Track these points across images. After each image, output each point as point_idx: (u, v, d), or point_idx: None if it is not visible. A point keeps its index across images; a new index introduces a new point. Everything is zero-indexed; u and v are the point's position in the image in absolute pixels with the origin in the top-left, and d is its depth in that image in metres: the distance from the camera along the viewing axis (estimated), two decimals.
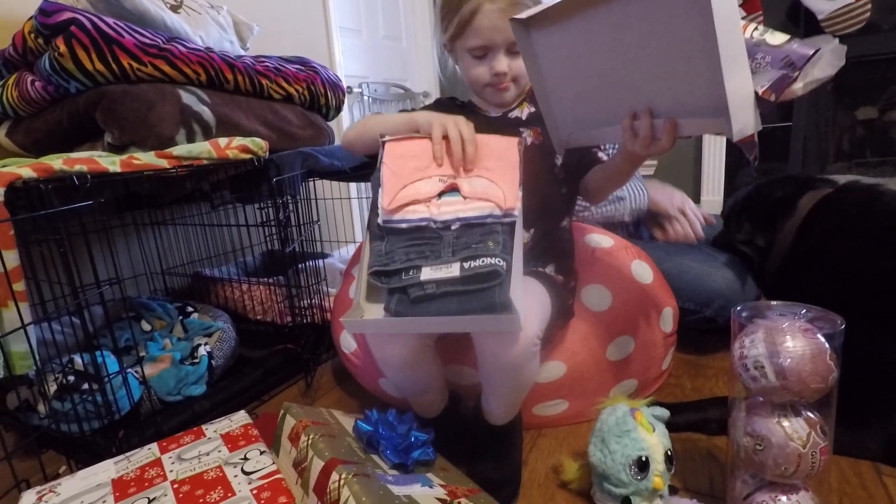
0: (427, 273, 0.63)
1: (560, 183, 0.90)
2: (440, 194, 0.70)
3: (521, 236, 0.67)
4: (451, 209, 0.68)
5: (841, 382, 0.60)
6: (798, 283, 0.95)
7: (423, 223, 0.68)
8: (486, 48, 0.80)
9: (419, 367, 0.73)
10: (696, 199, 2.52)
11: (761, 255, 1.03)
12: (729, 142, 2.31)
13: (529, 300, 0.70)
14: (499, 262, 0.62)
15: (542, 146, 0.86)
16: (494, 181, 0.70)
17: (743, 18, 0.68)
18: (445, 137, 0.72)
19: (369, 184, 2.14)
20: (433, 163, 0.72)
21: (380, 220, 0.69)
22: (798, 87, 0.64)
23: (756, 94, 0.60)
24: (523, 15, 0.68)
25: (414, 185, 0.71)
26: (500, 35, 0.78)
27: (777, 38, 0.64)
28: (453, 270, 0.63)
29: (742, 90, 0.58)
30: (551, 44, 0.70)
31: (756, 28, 0.65)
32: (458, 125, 0.72)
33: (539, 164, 0.84)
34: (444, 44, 0.87)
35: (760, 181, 1.08)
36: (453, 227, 0.68)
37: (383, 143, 0.74)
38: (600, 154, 0.90)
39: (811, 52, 0.62)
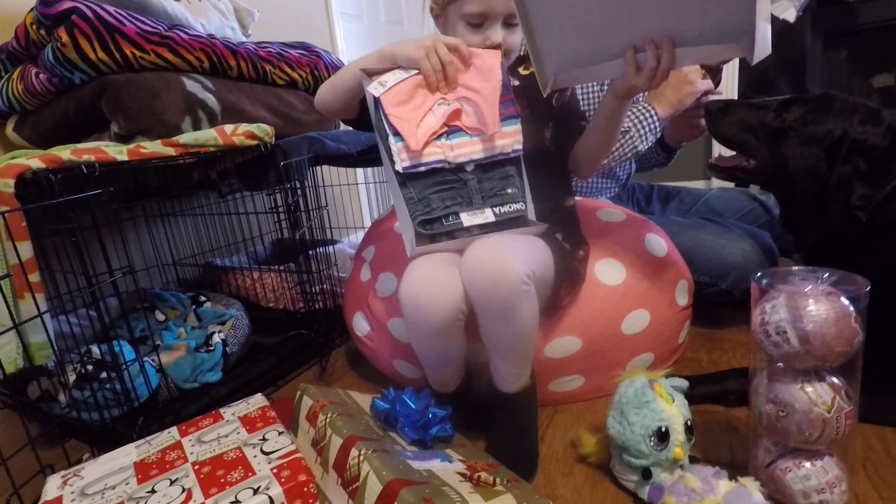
0: (467, 219, 0.74)
1: (552, 157, 0.88)
2: (448, 134, 0.75)
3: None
4: (463, 151, 0.75)
5: (866, 349, 0.59)
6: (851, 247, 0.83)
7: (440, 164, 0.74)
8: (483, 16, 0.78)
9: (449, 336, 0.72)
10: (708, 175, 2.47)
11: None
12: None
13: (519, 244, 0.70)
14: (521, 206, 0.76)
15: (529, 119, 0.84)
16: (481, 105, 0.73)
17: None
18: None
19: (377, 169, 2.13)
20: (427, 94, 0.75)
21: (399, 168, 0.73)
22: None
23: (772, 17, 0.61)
24: None
25: (423, 121, 0.74)
26: (500, 3, 0.76)
27: None
28: (488, 216, 0.75)
29: (765, 13, 0.59)
30: None
31: None
32: (437, 50, 0.73)
33: (528, 137, 0.83)
34: (434, 7, 0.85)
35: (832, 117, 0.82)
36: (468, 169, 0.76)
37: (377, 98, 0.74)
38: (584, 124, 0.88)
39: None
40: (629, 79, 0.70)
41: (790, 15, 0.74)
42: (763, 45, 0.61)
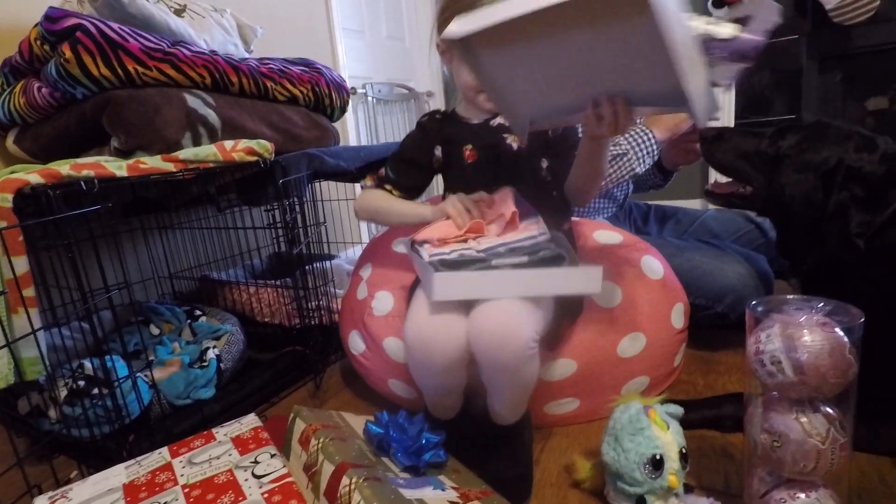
0: (496, 262, 0.71)
1: (549, 186, 0.90)
2: (475, 239, 0.78)
3: None
4: (491, 241, 0.76)
5: (861, 377, 0.59)
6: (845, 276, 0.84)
7: (468, 252, 0.74)
8: None
9: (456, 373, 0.72)
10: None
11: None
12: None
13: (526, 301, 0.69)
14: (559, 251, 0.73)
15: (526, 150, 0.87)
16: (502, 218, 0.79)
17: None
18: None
19: None
20: (455, 233, 0.80)
21: (428, 259, 0.74)
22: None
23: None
24: (458, 32, 0.64)
25: (446, 228, 0.80)
26: None
27: (725, 30, 0.64)
28: (521, 259, 0.72)
29: (701, 84, 0.61)
30: (494, 56, 0.69)
31: (706, 21, 0.65)
32: (463, 202, 0.82)
33: (526, 168, 0.85)
34: (440, 44, 0.87)
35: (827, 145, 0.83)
36: (500, 252, 0.74)
37: (413, 244, 0.82)
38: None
39: (760, 41, 0.63)
40: (593, 129, 0.73)
41: (722, 85, 0.74)
42: (706, 109, 0.64)
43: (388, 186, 0.95)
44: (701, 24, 0.62)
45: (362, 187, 0.98)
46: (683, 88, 0.59)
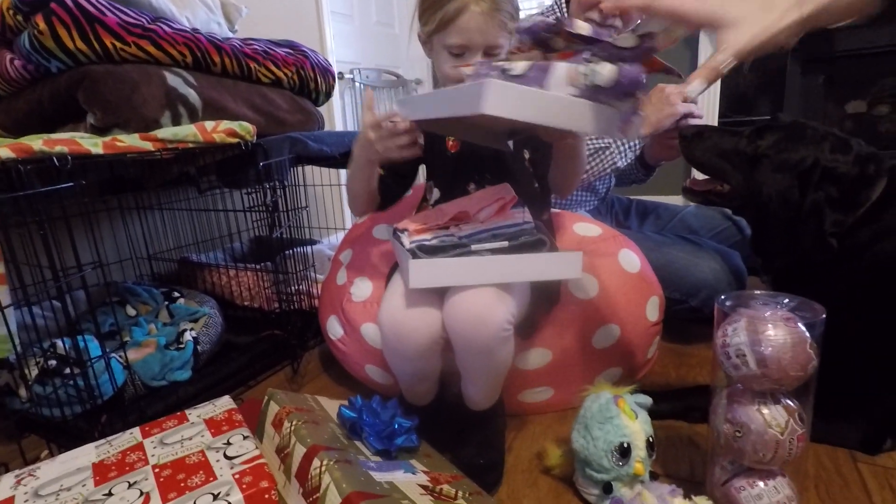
0: (476, 247, 0.71)
1: (531, 176, 0.91)
2: (457, 225, 0.77)
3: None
4: (475, 226, 0.75)
5: (823, 374, 0.61)
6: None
7: (448, 238, 0.73)
8: (464, 47, 0.81)
9: (427, 359, 0.74)
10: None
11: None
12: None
13: (502, 284, 0.71)
14: (540, 236, 0.72)
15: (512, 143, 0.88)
16: (502, 195, 0.78)
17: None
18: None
19: None
20: (438, 220, 0.79)
21: (408, 245, 0.72)
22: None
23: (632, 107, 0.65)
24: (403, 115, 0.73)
25: (428, 215, 0.80)
26: (480, 37, 0.79)
27: (604, 75, 0.62)
28: (502, 243, 0.71)
29: (607, 124, 0.63)
30: (447, 122, 0.75)
31: (584, 73, 0.63)
32: (368, 136, 0.78)
33: (508, 158, 0.86)
34: (421, 35, 0.88)
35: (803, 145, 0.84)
36: (482, 237, 0.74)
37: (395, 232, 0.80)
38: None
39: (642, 76, 0.62)
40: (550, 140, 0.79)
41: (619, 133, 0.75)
42: (630, 137, 0.71)
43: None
44: (580, 78, 0.62)
45: None
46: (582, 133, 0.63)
